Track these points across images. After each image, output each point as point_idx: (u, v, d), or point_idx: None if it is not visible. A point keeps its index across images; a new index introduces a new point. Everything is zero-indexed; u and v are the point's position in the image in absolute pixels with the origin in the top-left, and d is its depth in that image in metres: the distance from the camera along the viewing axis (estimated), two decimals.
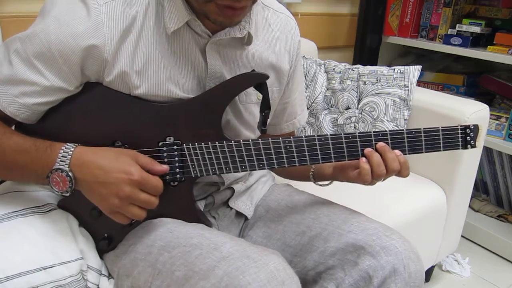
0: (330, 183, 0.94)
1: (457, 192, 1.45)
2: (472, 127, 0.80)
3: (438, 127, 0.79)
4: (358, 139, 0.79)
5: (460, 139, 0.80)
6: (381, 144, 0.79)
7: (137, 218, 0.75)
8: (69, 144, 0.75)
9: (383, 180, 0.82)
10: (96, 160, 0.74)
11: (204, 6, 0.72)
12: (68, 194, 0.74)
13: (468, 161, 1.42)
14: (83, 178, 0.73)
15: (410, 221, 1.30)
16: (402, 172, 0.80)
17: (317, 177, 0.95)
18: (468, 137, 0.80)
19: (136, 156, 0.76)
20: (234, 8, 0.70)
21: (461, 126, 0.80)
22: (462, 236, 1.69)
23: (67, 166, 0.73)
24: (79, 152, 0.74)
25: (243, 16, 0.75)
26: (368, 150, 0.80)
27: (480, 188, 2.05)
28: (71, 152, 0.73)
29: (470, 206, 1.97)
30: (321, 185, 0.95)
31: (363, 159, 0.79)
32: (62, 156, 0.73)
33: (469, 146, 0.80)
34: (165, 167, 0.78)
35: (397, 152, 0.80)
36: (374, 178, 0.80)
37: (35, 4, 1.25)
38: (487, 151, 1.94)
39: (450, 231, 1.52)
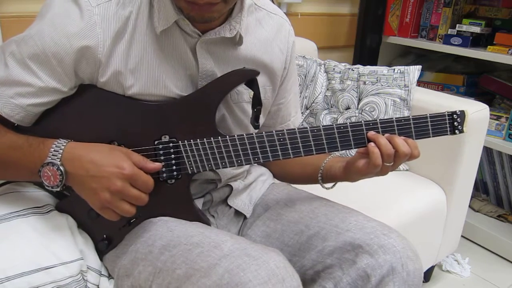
0: (334, 186, 0.95)
1: (457, 192, 1.45)
2: (459, 113, 0.81)
3: (426, 114, 0.80)
4: (349, 129, 0.80)
5: (448, 125, 0.81)
6: (387, 134, 0.80)
7: (127, 215, 0.75)
8: (61, 140, 0.76)
9: (394, 167, 0.81)
10: (88, 154, 0.74)
11: (177, 1, 0.74)
12: (58, 189, 0.74)
13: (468, 161, 1.43)
14: (75, 172, 0.74)
15: (410, 221, 1.30)
16: (413, 152, 0.79)
17: (327, 180, 0.95)
18: (455, 123, 0.81)
19: (129, 153, 0.77)
20: (198, 4, 0.71)
21: (448, 112, 0.81)
22: (462, 236, 1.69)
23: (59, 160, 0.73)
24: (71, 146, 0.75)
25: (217, 13, 0.75)
26: (372, 133, 0.80)
27: (480, 188, 2.05)
28: (63, 147, 0.74)
29: (470, 206, 1.97)
30: (327, 188, 0.95)
31: (371, 143, 0.79)
32: (54, 151, 0.74)
33: (457, 131, 0.81)
34: (157, 165, 0.78)
35: (402, 137, 0.80)
36: (384, 160, 0.79)
37: (35, 4, 1.25)
38: (487, 151, 1.94)
39: (450, 231, 1.52)
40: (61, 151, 0.74)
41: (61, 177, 0.73)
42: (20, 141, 0.76)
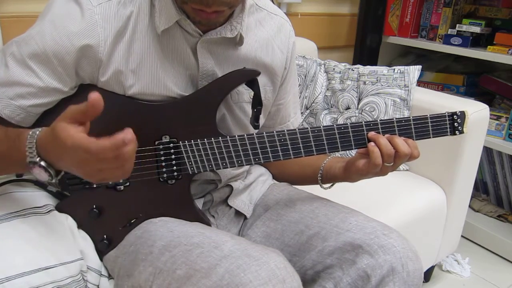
0: (332, 186, 0.95)
1: (457, 192, 1.45)
2: (459, 113, 0.81)
3: (426, 115, 0.81)
4: (350, 129, 0.81)
5: (448, 126, 0.82)
6: (387, 134, 0.81)
7: (130, 168, 0.67)
8: (32, 132, 0.69)
9: (394, 167, 0.82)
10: (54, 148, 0.65)
11: (182, 6, 0.74)
12: (53, 181, 0.70)
13: (468, 161, 1.42)
14: (58, 160, 0.67)
15: (410, 221, 1.30)
16: (413, 152, 0.80)
17: (326, 180, 0.95)
18: (455, 123, 0.81)
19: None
20: (205, 12, 0.72)
21: (448, 113, 0.81)
22: (462, 236, 1.70)
23: (37, 157, 0.68)
24: (40, 138, 0.68)
25: (222, 17, 0.76)
26: (372, 134, 0.81)
27: (480, 188, 2.05)
28: (34, 142, 0.68)
29: (470, 206, 1.97)
30: (325, 188, 0.96)
31: (371, 143, 0.80)
32: (28, 148, 0.68)
33: (457, 132, 0.82)
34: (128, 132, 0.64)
35: (402, 138, 0.80)
36: (384, 160, 0.80)
37: (35, 4, 1.25)
38: (487, 151, 1.94)
39: (450, 231, 1.52)
40: (34, 147, 0.67)
41: (47, 172, 0.68)
42: (1, 134, 0.73)
